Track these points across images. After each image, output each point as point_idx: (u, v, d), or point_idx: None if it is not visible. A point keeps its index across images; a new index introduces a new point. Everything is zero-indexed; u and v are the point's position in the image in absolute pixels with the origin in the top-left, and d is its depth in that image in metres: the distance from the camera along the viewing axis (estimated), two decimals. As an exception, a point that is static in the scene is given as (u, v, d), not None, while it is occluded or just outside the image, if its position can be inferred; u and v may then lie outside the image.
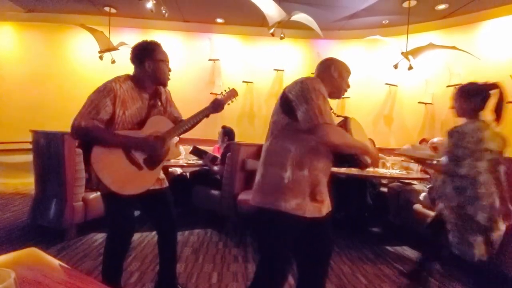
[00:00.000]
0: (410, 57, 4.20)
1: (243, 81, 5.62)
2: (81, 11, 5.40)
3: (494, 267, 2.31)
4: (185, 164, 3.45)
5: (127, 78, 1.59)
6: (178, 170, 4.14)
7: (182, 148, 3.83)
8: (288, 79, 5.69)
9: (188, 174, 3.96)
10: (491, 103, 1.77)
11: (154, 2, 4.08)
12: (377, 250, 2.83)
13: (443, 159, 1.84)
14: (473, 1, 4.27)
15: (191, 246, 2.71)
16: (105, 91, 1.48)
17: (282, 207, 1.18)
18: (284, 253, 1.24)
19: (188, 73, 5.67)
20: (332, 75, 1.36)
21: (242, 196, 3.01)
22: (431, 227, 2.04)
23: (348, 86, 1.42)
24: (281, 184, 1.20)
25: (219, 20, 5.58)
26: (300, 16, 3.86)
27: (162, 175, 1.74)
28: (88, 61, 5.54)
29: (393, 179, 3.41)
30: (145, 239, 2.79)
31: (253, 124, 5.76)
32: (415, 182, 3.34)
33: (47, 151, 2.72)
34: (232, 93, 1.86)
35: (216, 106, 1.77)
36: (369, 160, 1.31)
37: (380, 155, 3.42)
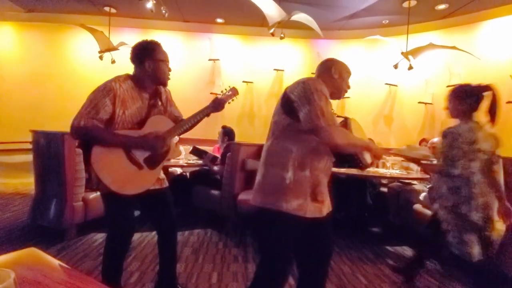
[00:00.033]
0: (410, 57, 4.20)
1: (243, 81, 5.62)
2: (81, 11, 5.40)
3: (494, 267, 2.31)
4: (185, 164, 3.45)
5: (127, 78, 1.59)
6: (178, 170, 4.14)
7: (182, 148, 3.83)
8: (288, 79, 5.69)
9: (188, 174, 3.96)
10: (485, 104, 1.81)
11: (154, 2, 4.08)
12: (377, 250, 2.83)
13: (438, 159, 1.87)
14: (473, 1, 4.27)
15: (191, 246, 2.71)
16: (105, 91, 1.47)
17: (283, 208, 1.18)
18: (284, 254, 1.24)
19: (188, 73, 5.67)
20: (332, 76, 1.36)
21: (242, 196, 3.01)
22: (430, 227, 2.05)
23: (348, 87, 1.42)
24: (283, 184, 1.20)
25: (219, 20, 5.58)
26: (300, 16, 3.86)
27: (162, 175, 1.74)
28: (88, 61, 5.55)
29: (393, 179, 3.41)
30: (145, 239, 2.79)
31: (253, 124, 5.76)
32: (415, 182, 3.34)
33: (47, 151, 2.72)
34: (233, 92, 1.85)
35: (217, 105, 1.76)
36: (369, 160, 1.32)
37: (385, 156, 3.42)
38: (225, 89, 1.85)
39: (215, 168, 3.36)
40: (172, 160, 3.33)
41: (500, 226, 1.80)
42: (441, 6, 4.51)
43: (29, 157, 3.02)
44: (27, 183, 4.78)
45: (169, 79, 1.67)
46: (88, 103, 1.47)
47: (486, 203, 1.72)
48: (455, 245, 1.79)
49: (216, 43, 5.66)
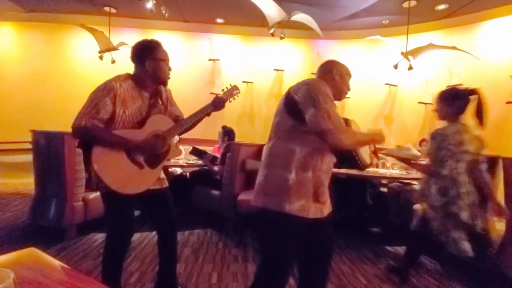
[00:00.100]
0: (410, 57, 4.20)
1: (243, 81, 5.61)
2: (81, 11, 5.40)
3: (494, 267, 2.32)
4: (185, 164, 3.45)
5: (127, 77, 1.59)
6: (178, 170, 4.14)
7: (182, 148, 3.83)
8: (288, 79, 5.69)
9: (188, 174, 3.96)
10: (471, 107, 1.89)
11: (154, 2, 4.08)
12: (377, 250, 2.83)
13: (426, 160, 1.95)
14: (473, 2, 4.27)
15: (191, 246, 2.71)
16: (105, 90, 1.48)
17: (286, 209, 1.17)
18: (286, 255, 1.24)
19: (188, 73, 5.67)
20: (334, 78, 1.37)
21: (242, 196, 3.01)
22: (418, 226, 2.08)
23: (349, 89, 1.43)
24: (285, 185, 1.19)
25: (219, 20, 5.58)
26: (300, 16, 3.85)
27: (162, 175, 1.74)
28: (88, 61, 5.54)
29: (393, 179, 3.41)
30: (145, 239, 2.79)
31: (253, 124, 5.76)
32: (415, 182, 3.34)
33: (47, 151, 2.72)
34: (234, 90, 1.84)
35: (217, 103, 1.75)
36: (368, 160, 1.33)
37: (380, 155, 3.42)
38: (226, 88, 1.85)
39: (215, 168, 3.36)
40: (172, 160, 3.32)
41: (499, 226, 1.81)
42: (441, 7, 4.51)
43: (29, 157, 3.02)
44: (27, 183, 4.79)
45: (169, 78, 1.67)
46: (88, 103, 1.47)
47: (473, 202, 1.80)
48: (447, 243, 1.85)
49: (216, 43, 5.66)
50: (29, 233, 2.81)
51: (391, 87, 5.46)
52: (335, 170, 1.37)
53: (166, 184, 1.75)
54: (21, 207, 3.61)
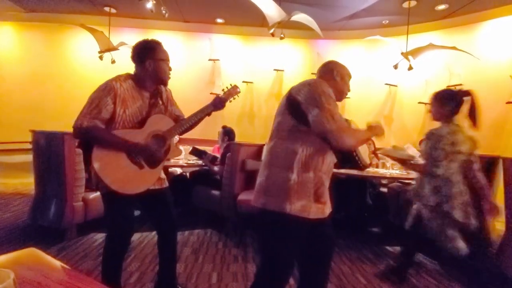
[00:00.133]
0: (410, 57, 4.20)
1: (243, 81, 5.62)
2: (81, 11, 5.40)
3: (494, 267, 2.32)
4: (185, 164, 3.45)
5: (128, 77, 1.59)
6: (178, 170, 4.14)
7: (182, 148, 3.83)
8: (288, 79, 5.69)
9: (188, 174, 3.96)
10: (465, 108, 1.94)
11: (154, 2, 4.08)
12: (377, 250, 2.84)
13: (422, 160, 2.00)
14: (473, 2, 4.27)
15: (191, 246, 2.71)
16: (106, 90, 1.48)
17: (287, 209, 1.17)
18: (286, 255, 1.23)
19: (188, 73, 5.67)
20: (334, 78, 1.37)
21: (242, 196, 3.01)
22: (413, 225, 2.11)
23: (349, 90, 1.44)
24: (287, 185, 1.19)
25: (219, 20, 5.58)
26: (300, 16, 3.86)
27: (163, 175, 1.74)
28: (88, 61, 5.55)
29: (393, 179, 3.41)
30: (145, 239, 2.79)
31: (253, 124, 5.76)
32: (414, 182, 3.34)
33: (47, 151, 2.72)
34: (234, 90, 1.84)
35: (218, 103, 1.75)
36: (368, 161, 1.33)
37: (380, 155, 3.43)
38: (226, 87, 1.85)
39: (215, 168, 3.36)
40: (172, 160, 3.32)
41: (499, 226, 1.82)
42: (441, 7, 4.51)
43: (29, 157, 3.02)
44: (27, 183, 4.79)
45: (169, 78, 1.67)
46: (90, 103, 1.47)
47: (465, 202, 1.84)
48: (439, 242, 1.90)
49: (216, 43, 5.66)
50: (29, 233, 2.81)
51: (391, 87, 5.47)
52: (335, 170, 1.37)
53: (166, 184, 1.74)
54: (21, 207, 3.61)
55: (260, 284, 1.26)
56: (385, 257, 2.69)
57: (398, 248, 2.92)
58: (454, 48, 4.10)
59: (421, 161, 2.08)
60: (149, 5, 4.05)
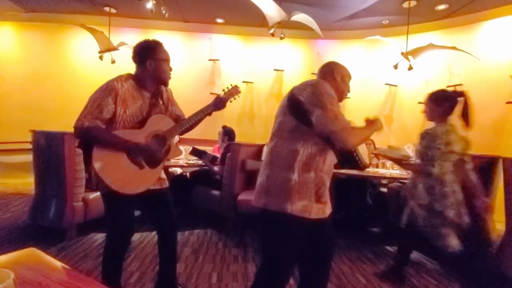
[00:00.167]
0: (410, 57, 4.20)
1: (243, 81, 5.62)
2: (81, 11, 5.40)
3: (494, 267, 2.32)
4: (185, 164, 3.45)
5: (128, 77, 1.59)
6: (178, 170, 4.14)
7: (182, 148, 3.83)
8: (288, 79, 5.69)
9: (188, 174, 3.96)
10: (458, 109, 1.99)
11: (154, 2, 4.08)
12: (377, 250, 2.84)
13: (417, 159, 2.04)
14: (473, 2, 4.27)
15: (191, 246, 2.71)
16: (107, 90, 1.48)
17: (288, 209, 1.17)
18: (287, 255, 1.23)
19: (188, 73, 5.67)
20: (335, 79, 1.38)
21: (242, 196, 3.01)
22: (407, 224, 2.14)
23: (349, 90, 1.45)
24: (288, 185, 1.19)
25: (219, 20, 5.58)
26: (300, 16, 3.86)
27: (163, 175, 1.74)
28: (88, 61, 5.55)
29: (393, 179, 3.40)
30: (145, 239, 2.79)
31: (253, 124, 5.76)
32: (415, 182, 3.34)
33: (47, 151, 2.72)
34: (234, 90, 1.85)
35: (218, 103, 1.76)
36: (367, 161, 1.33)
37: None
38: (227, 87, 1.85)
39: (215, 168, 3.36)
40: (172, 160, 3.32)
41: (499, 226, 1.83)
42: (441, 7, 4.51)
43: (29, 157, 3.02)
44: (27, 183, 4.79)
45: (170, 78, 1.67)
46: (91, 103, 1.47)
47: (458, 200, 1.88)
48: (432, 239, 1.94)
49: (216, 43, 5.66)
50: (29, 233, 2.81)
51: (391, 87, 5.46)
52: (335, 170, 1.37)
53: (166, 184, 1.75)
54: (21, 207, 3.61)
55: (260, 284, 1.26)
56: (385, 257, 2.69)
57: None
58: (454, 48, 4.10)
59: (416, 160, 2.10)
60: (149, 5, 4.05)
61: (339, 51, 5.71)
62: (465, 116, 1.95)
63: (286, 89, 1.33)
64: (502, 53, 4.32)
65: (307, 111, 1.18)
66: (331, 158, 1.28)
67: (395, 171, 3.41)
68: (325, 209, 1.28)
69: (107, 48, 4.79)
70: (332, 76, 1.38)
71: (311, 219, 1.21)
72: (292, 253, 1.24)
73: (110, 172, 1.48)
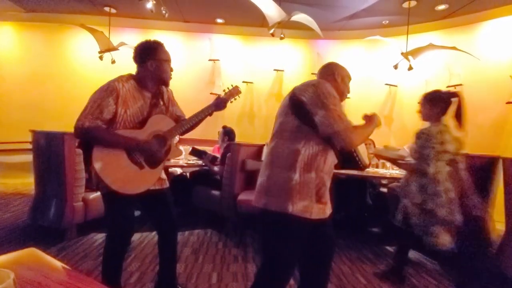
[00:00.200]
0: (410, 57, 4.20)
1: (243, 81, 5.62)
2: (81, 11, 5.40)
3: (494, 267, 2.32)
4: (185, 164, 3.45)
5: (129, 78, 1.60)
6: (178, 170, 4.14)
7: (182, 148, 3.83)
8: (288, 79, 5.69)
9: (188, 174, 3.96)
10: (452, 109, 2.03)
11: (154, 2, 4.08)
12: (377, 250, 2.83)
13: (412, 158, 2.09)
14: (473, 2, 4.28)
15: (191, 246, 2.71)
16: (108, 91, 1.49)
17: (289, 209, 1.17)
18: (288, 256, 1.23)
19: (188, 73, 5.67)
20: (336, 80, 1.38)
21: (242, 196, 3.01)
22: (402, 222, 2.16)
23: (349, 91, 1.45)
24: (289, 186, 1.18)
25: (219, 20, 5.58)
26: (300, 17, 3.86)
27: (163, 176, 1.74)
28: (88, 61, 5.55)
29: (393, 179, 3.40)
30: (145, 239, 2.79)
31: (253, 124, 5.76)
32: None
33: (47, 151, 2.72)
34: (235, 91, 1.86)
35: (219, 104, 1.77)
36: (367, 161, 1.33)
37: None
38: (228, 88, 1.86)
39: (215, 168, 3.36)
40: (172, 160, 3.32)
41: (499, 226, 1.84)
42: (441, 7, 4.51)
43: (29, 157, 3.02)
44: (27, 183, 4.79)
45: (171, 78, 1.67)
46: (91, 103, 1.47)
47: (450, 199, 1.92)
48: (424, 237, 1.98)
49: (216, 43, 5.66)
50: (29, 233, 2.81)
51: (391, 87, 5.47)
52: (335, 170, 1.37)
53: (166, 184, 1.75)
54: (21, 207, 3.61)
55: (260, 284, 1.26)
56: (385, 257, 2.69)
57: (398, 248, 2.92)
58: (454, 48, 4.10)
59: (411, 160, 2.14)
60: (149, 5, 4.05)
61: (339, 51, 5.71)
62: (459, 116, 2.01)
63: (286, 89, 1.33)
64: (502, 53, 4.32)
65: (310, 112, 1.18)
66: (331, 158, 1.28)
67: (395, 171, 3.41)
68: (326, 210, 1.28)
69: (107, 48, 4.79)
70: (333, 77, 1.38)
71: (312, 220, 1.21)
72: (293, 254, 1.23)
73: (110, 172, 1.48)
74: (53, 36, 5.64)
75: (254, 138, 5.31)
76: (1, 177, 5.09)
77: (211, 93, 5.43)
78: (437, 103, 2.03)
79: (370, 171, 3.29)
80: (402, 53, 4.29)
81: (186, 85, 5.58)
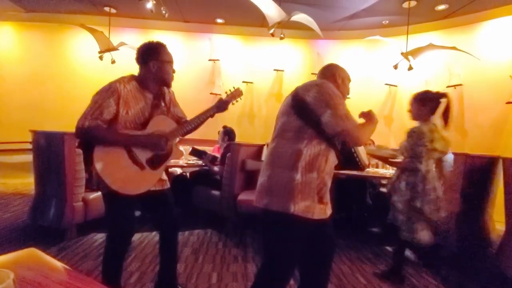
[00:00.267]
0: (410, 57, 4.20)
1: (243, 81, 5.62)
2: (81, 11, 5.41)
3: (494, 267, 2.32)
4: (185, 164, 3.45)
5: (131, 79, 1.60)
6: (178, 170, 4.14)
7: (182, 148, 3.83)
8: (288, 79, 5.69)
9: (188, 174, 3.96)
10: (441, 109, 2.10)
11: (154, 2, 4.08)
12: (377, 250, 2.83)
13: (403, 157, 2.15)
14: (473, 2, 4.28)
15: (191, 246, 2.71)
16: (109, 91, 1.49)
17: (291, 210, 1.16)
18: (288, 256, 1.23)
19: (188, 73, 5.67)
20: (336, 81, 1.39)
21: (242, 196, 3.01)
22: (394, 219, 2.20)
23: (348, 93, 1.47)
24: (291, 186, 1.18)
25: (219, 20, 5.58)
26: (300, 17, 3.86)
27: (164, 176, 1.74)
28: (88, 61, 5.55)
29: (393, 179, 3.40)
30: (145, 239, 2.79)
31: (253, 124, 5.76)
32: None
33: (47, 151, 2.72)
34: (237, 93, 1.88)
35: (221, 105, 1.79)
36: (367, 161, 1.34)
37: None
38: (230, 90, 1.87)
39: (215, 168, 3.36)
40: (172, 161, 3.31)
41: (499, 226, 1.85)
42: (441, 7, 4.51)
43: (29, 157, 3.02)
44: (27, 183, 4.79)
45: (173, 80, 1.68)
46: (92, 103, 1.48)
47: (437, 196, 1.97)
48: (405, 233, 2.05)
49: (216, 43, 5.66)
50: (29, 233, 2.81)
51: (391, 87, 5.46)
52: (335, 170, 1.37)
53: (167, 185, 1.74)
54: (21, 207, 3.61)
55: (260, 284, 1.26)
56: (385, 257, 2.69)
57: (398, 248, 2.92)
58: (454, 48, 4.10)
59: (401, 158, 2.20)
60: (149, 5, 4.05)
61: (339, 51, 5.71)
62: (446, 116, 2.07)
63: (286, 89, 1.33)
64: (502, 53, 4.32)
65: (314, 112, 1.18)
66: (332, 159, 1.29)
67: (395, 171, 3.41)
68: (326, 210, 1.28)
69: (107, 48, 4.79)
70: (334, 78, 1.39)
71: (314, 220, 1.21)
72: (293, 254, 1.23)
73: (111, 172, 1.48)
74: (53, 36, 5.64)
75: (254, 138, 5.31)
76: (1, 177, 5.09)
77: (211, 93, 5.43)
78: (426, 103, 2.10)
79: (370, 171, 3.30)
80: (402, 53, 4.29)
81: (186, 85, 5.58)
